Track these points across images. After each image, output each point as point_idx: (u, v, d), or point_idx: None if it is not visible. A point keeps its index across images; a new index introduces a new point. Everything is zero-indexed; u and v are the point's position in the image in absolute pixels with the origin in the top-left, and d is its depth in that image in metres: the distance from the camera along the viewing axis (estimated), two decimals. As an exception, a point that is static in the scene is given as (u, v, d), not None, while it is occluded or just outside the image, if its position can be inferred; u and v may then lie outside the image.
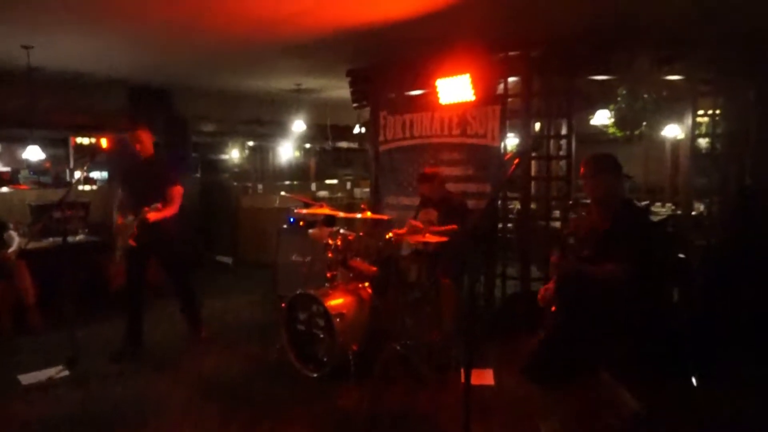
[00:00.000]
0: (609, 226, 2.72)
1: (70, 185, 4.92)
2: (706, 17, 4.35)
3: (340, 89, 7.30)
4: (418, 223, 4.29)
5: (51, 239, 5.20)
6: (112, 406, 3.51)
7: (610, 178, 2.90)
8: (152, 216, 4.08)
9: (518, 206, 5.30)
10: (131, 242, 4.07)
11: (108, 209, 4.42)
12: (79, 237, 5.47)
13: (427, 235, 3.97)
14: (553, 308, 2.98)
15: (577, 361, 2.91)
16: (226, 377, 4.00)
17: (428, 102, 5.57)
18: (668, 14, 4.34)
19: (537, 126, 5.43)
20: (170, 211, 4.25)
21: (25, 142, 6.87)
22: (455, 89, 5.09)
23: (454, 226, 4.10)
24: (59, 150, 9.44)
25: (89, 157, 4.84)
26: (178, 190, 4.36)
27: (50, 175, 11.17)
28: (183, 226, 6.23)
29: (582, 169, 3.00)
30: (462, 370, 3.87)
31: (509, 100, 5.11)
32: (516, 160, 2.88)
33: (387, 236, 4.18)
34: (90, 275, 4.34)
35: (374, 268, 4.19)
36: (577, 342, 2.84)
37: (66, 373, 3.91)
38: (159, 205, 4.12)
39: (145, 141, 4.34)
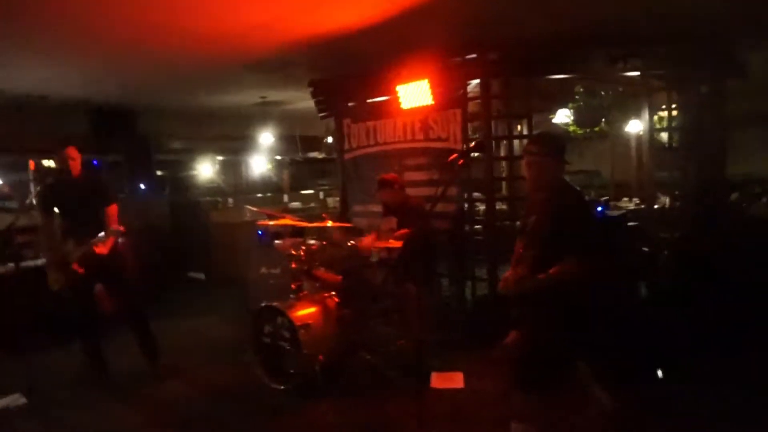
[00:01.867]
0: (551, 215, 2.66)
1: (19, 210, 4.76)
2: (657, 17, 4.45)
3: (306, 100, 7.27)
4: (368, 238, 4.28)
5: (8, 264, 5.06)
6: (72, 433, 3.41)
7: (551, 160, 2.81)
8: (100, 249, 3.92)
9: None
10: (76, 267, 3.90)
11: (44, 237, 4.17)
12: (39, 261, 5.33)
13: (390, 241, 3.95)
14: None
15: (555, 362, 2.87)
16: (191, 396, 3.93)
17: (390, 108, 5.57)
18: (621, 14, 4.42)
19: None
20: (111, 235, 4.03)
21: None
22: (415, 94, 5.10)
23: (406, 230, 4.08)
24: (21, 174, 9.23)
25: (41, 181, 4.65)
26: (113, 210, 4.15)
27: (15, 200, 10.91)
28: (147, 246, 6.14)
29: (526, 147, 2.94)
30: (432, 375, 3.91)
31: (470, 102, 5.14)
32: (460, 161, 2.82)
33: (348, 244, 4.15)
34: (49, 301, 4.20)
35: (339, 278, 4.16)
36: (551, 344, 2.82)
37: (23, 401, 3.79)
38: (102, 235, 3.94)
39: (77, 158, 4.08)
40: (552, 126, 6.78)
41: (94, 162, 4.23)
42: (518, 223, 3.33)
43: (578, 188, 2.92)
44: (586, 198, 2.99)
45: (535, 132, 4.94)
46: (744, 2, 4.26)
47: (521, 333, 2.98)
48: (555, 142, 2.97)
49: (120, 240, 4.17)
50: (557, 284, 2.64)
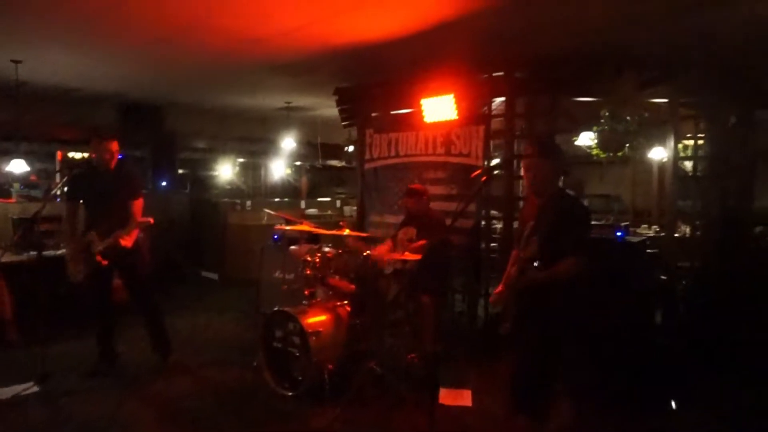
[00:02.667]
0: (549, 219, 2.64)
1: (44, 199, 4.83)
2: (687, 45, 4.42)
3: (329, 108, 7.35)
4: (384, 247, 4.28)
5: (30, 253, 5.15)
6: (79, 424, 3.43)
7: (549, 164, 2.81)
8: (125, 242, 3.98)
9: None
10: (100, 260, 3.95)
11: (68, 227, 4.21)
12: (60, 251, 5.42)
13: (405, 253, 3.95)
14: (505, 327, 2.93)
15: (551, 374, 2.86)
16: (200, 396, 3.92)
17: (414, 121, 5.60)
18: (650, 40, 4.41)
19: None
20: (135, 228, 4.11)
21: (11, 155, 6.86)
22: (440, 109, 5.13)
23: (424, 241, 4.08)
24: (48, 164, 9.43)
25: (68, 171, 4.73)
26: (139, 204, 4.20)
27: (41, 188, 11.14)
28: (166, 242, 6.20)
29: (525, 150, 2.95)
30: (440, 391, 3.87)
31: (493, 119, 5.14)
32: (483, 178, 2.82)
33: (365, 254, 4.15)
34: (68, 290, 4.26)
35: (353, 286, 4.16)
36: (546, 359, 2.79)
37: (36, 389, 3.84)
38: (128, 229, 4.02)
39: (115, 152, 4.12)
40: (575, 148, 6.74)
41: (120, 156, 4.26)
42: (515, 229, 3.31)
43: (574, 195, 2.91)
44: (584, 204, 2.99)
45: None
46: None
47: (517, 351, 2.98)
48: (552, 145, 2.98)
49: (141, 234, 4.22)
50: (556, 281, 2.66)
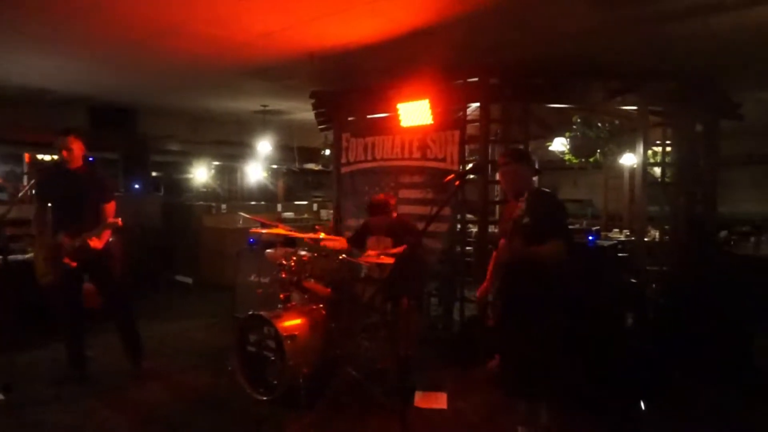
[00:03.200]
0: (526, 211, 2.79)
1: (11, 203, 4.71)
2: (655, 54, 4.55)
3: (306, 111, 7.33)
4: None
5: (-4, 257, 5.02)
6: (46, 434, 3.35)
7: (523, 168, 3.08)
8: (95, 243, 3.91)
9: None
10: (68, 262, 3.87)
11: (37, 229, 4.12)
12: (28, 255, 5.29)
13: (382, 257, 3.96)
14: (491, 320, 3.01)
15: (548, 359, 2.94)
16: (173, 402, 3.88)
17: (390, 125, 5.62)
18: (618, 50, 4.52)
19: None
20: (105, 229, 4.04)
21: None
22: (415, 113, 5.16)
23: (404, 246, 4.09)
24: (16, 167, 9.19)
25: (36, 174, 4.63)
26: (112, 207, 4.14)
27: (7, 192, 10.85)
28: (138, 246, 6.10)
29: (500, 160, 3.18)
30: (416, 395, 3.90)
31: (469, 125, 5.20)
32: (456, 183, 2.91)
33: (340, 257, 4.15)
34: (36, 295, 4.15)
35: (328, 290, 4.16)
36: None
37: (1, 398, 3.73)
38: (98, 231, 3.96)
39: (75, 149, 4.02)
40: (549, 154, 6.87)
41: (90, 159, 4.18)
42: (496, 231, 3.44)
43: (548, 190, 3.19)
44: (555, 195, 3.24)
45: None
46: (737, 48, 4.39)
47: (506, 349, 3.10)
48: (523, 152, 3.35)
49: (111, 238, 4.14)
50: (539, 258, 2.83)
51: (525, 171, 3.09)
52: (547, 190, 3.20)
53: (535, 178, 3.48)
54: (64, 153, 4.00)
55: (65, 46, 4.84)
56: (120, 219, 4.06)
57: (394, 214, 4.53)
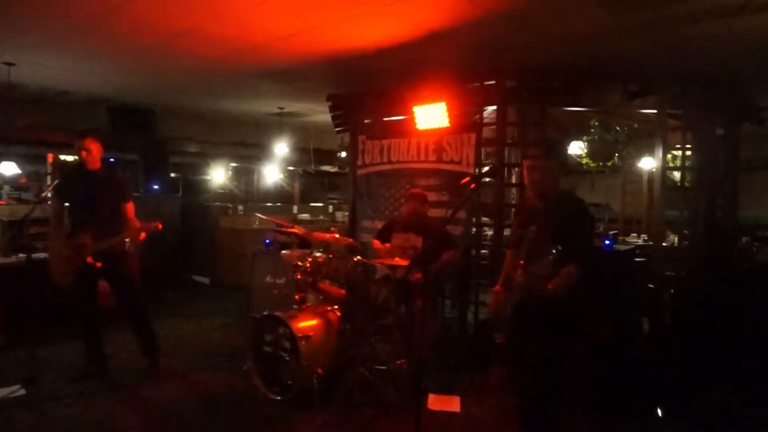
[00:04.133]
0: (555, 225, 2.61)
1: (36, 202, 4.81)
2: (673, 57, 4.50)
3: (322, 113, 7.38)
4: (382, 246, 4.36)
5: (19, 255, 5.13)
6: (65, 429, 3.41)
7: (553, 165, 2.83)
8: (138, 239, 4.03)
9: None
10: (92, 261, 3.95)
11: (55, 230, 4.23)
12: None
13: (396, 259, 3.97)
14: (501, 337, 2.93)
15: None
16: (189, 401, 3.91)
17: (406, 128, 5.63)
18: (636, 52, 4.48)
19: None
20: (134, 232, 4.09)
21: (2, 157, 6.83)
22: (432, 116, 5.16)
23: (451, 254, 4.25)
24: (39, 167, 9.39)
25: (59, 174, 4.78)
26: (131, 207, 4.22)
27: (31, 191, 11.08)
28: (157, 246, 6.16)
29: (528, 152, 2.94)
30: (429, 397, 3.89)
31: (485, 128, 5.19)
32: (472, 185, 2.83)
33: (354, 259, 4.16)
34: (56, 293, 4.24)
35: (343, 291, 4.17)
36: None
37: (22, 392, 3.82)
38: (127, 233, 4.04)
39: (94, 151, 4.14)
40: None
41: (111, 159, 4.26)
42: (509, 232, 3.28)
43: (578, 196, 2.92)
44: (587, 205, 2.94)
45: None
46: (760, 50, 4.31)
47: (520, 361, 2.99)
48: (554, 146, 3.04)
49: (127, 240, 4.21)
50: (563, 291, 2.59)
51: (554, 168, 2.83)
52: (576, 195, 2.92)
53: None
54: (83, 154, 4.11)
55: (87, 49, 4.94)
56: (159, 223, 4.13)
57: (427, 212, 4.58)
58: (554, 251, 2.45)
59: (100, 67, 5.64)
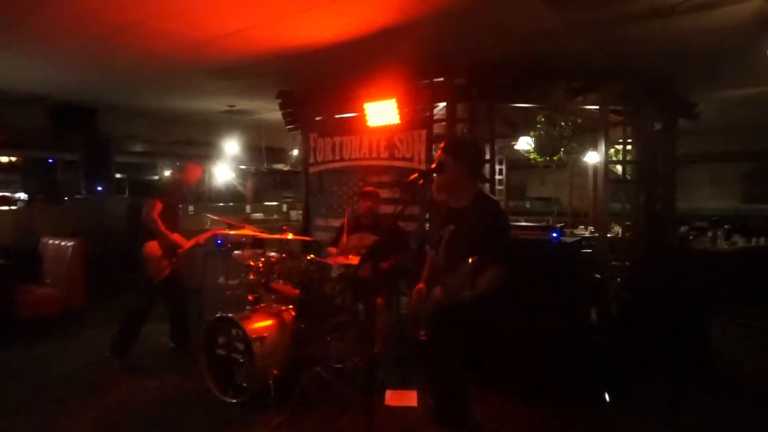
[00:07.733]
0: (472, 226, 2.56)
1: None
2: (614, 55, 4.68)
3: (274, 111, 7.27)
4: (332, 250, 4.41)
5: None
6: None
7: (459, 164, 2.72)
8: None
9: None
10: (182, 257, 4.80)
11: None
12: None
13: (350, 257, 3.96)
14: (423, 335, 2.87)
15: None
16: (140, 407, 3.80)
17: (357, 125, 5.63)
18: (580, 51, 4.63)
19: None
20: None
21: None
22: (382, 113, 5.19)
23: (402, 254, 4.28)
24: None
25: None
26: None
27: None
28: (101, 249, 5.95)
29: (440, 151, 2.82)
30: (386, 393, 3.91)
31: (436, 124, 5.24)
32: (420, 182, 2.83)
33: (308, 258, 4.14)
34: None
35: (297, 291, 4.14)
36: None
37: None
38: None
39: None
40: (516, 153, 6.98)
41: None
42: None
43: (494, 198, 2.92)
44: (503, 211, 2.90)
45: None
46: (694, 49, 4.55)
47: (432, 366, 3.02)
48: (468, 148, 2.90)
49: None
50: (486, 295, 2.54)
51: (464, 171, 2.71)
52: (493, 197, 2.84)
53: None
54: (190, 175, 5.08)
55: (23, 43, 4.69)
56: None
57: (379, 209, 4.63)
58: (470, 260, 2.37)
59: (37, 63, 5.37)
